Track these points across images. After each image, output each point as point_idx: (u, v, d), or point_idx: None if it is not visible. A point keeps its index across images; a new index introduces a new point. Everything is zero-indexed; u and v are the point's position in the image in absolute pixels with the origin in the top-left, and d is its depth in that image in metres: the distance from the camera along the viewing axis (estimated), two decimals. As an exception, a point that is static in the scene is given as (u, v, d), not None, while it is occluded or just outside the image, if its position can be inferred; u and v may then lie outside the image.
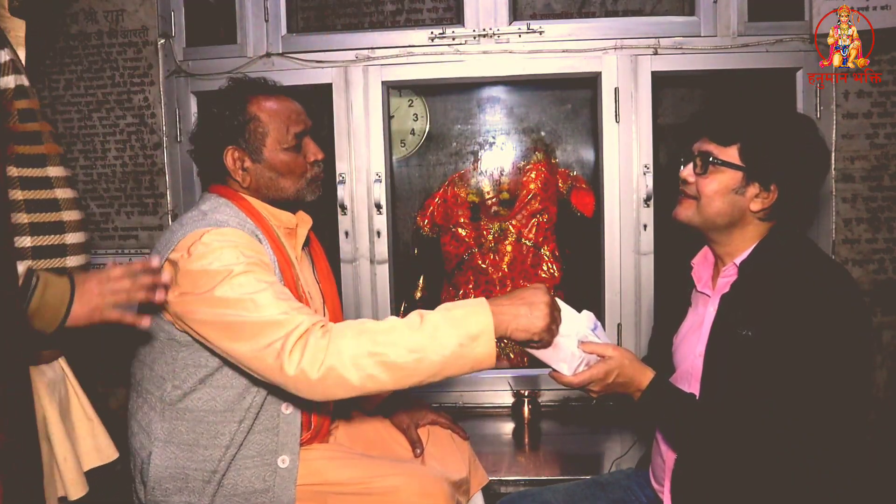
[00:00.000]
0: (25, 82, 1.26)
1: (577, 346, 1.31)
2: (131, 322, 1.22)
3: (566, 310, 1.34)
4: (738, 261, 1.35)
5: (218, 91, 1.53)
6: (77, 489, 1.32)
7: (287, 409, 1.41)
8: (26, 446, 0.71)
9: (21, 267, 1.11)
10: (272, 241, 1.42)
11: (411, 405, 1.74)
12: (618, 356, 1.31)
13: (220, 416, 1.38)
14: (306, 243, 1.60)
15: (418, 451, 1.62)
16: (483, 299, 1.24)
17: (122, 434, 1.49)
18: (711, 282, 1.44)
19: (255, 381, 1.36)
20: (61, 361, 1.34)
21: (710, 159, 1.33)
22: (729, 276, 1.37)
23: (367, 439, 1.65)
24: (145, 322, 1.24)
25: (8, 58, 1.22)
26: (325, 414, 1.51)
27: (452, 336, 1.18)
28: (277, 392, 1.38)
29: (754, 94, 1.61)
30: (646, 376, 1.32)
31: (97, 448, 1.38)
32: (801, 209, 1.37)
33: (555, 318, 1.26)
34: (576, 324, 1.33)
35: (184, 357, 1.37)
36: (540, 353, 1.32)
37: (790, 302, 1.24)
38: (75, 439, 1.32)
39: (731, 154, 1.31)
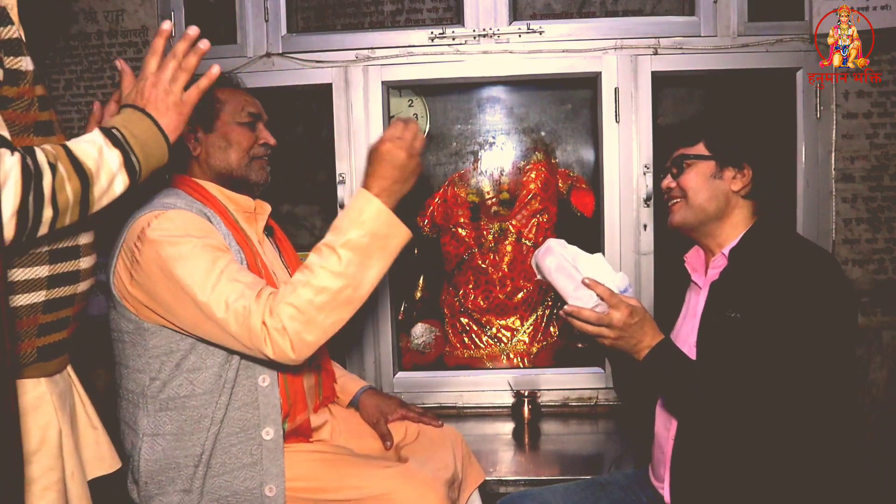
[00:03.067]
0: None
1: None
2: (208, 84, 1.21)
3: (601, 263, 1.39)
4: (726, 250, 1.42)
5: None
6: None
7: (264, 382, 1.43)
8: (8, 468, 0.68)
9: (95, 136, 1.05)
10: (225, 220, 1.46)
11: (381, 399, 1.76)
12: (642, 307, 1.35)
13: (201, 399, 1.40)
14: (271, 232, 1.67)
15: (388, 444, 1.66)
16: (365, 192, 1.32)
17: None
18: (704, 273, 1.49)
19: (228, 357, 1.40)
20: (69, 369, 1.27)
21: (683, 158, 1.45)
22: (719, 265, 1.43)
23: (356, 437, 1.64)
24: (216, 70, 1.22)
25: (21, 36, 1.06)
26: (303, 388, 1.52)
27: (376, 251, 1.29)
28: (252, 365, 1.42)
29: (718, 97, 1.81)
30: (658, 337, 1.35)
31: (100, 457, 1.31)
32: (776, 182, 1.48)
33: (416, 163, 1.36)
34: (606, 276, 1.36)
35: (154, 345, 1.39)
36: (560, 286, 1.37)
37: (776, 283, 1.29)
38: (81, 449, 1.26)
39: (699, 149, 1.45)
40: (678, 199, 1.46)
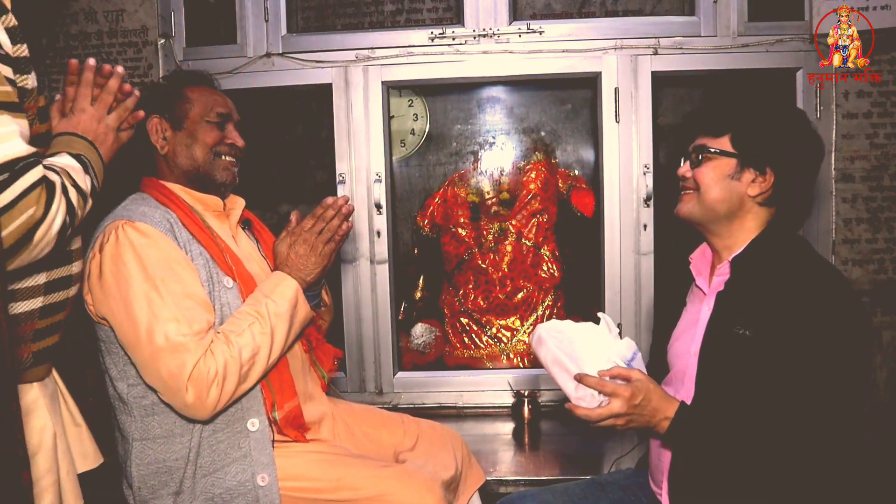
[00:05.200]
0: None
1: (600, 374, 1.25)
2: (131, 113, 1.32)
3: (602, 335, 1.30)
4: (731, 257, 1.36)
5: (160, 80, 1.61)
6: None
7: None
8: (10, 474, 0.68)
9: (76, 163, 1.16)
10: (190, 220, 1.47)
11: None
12: (644, 379, 1.26)
13: None
14: (248, 225, 1.68)
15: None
16: (279, 273, 1.47)
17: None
18: (708, 279, 1.44)
19: None
20: (53, 370, 1.29)
21: (704, 150, 1.37)
22: (723, 274, 1.37)
23: (354, 437, 1.64)
24: (135, 92, 1.33)
25: (27, 53, 1.10)
26: (289, 374, 1.51)
27: (285, 317, 1.42)
28: None
29: (746, 88, 1.61)
30: (672, 404, 1.27)
31: (84, 454, 1.34)
32: (799, 193, 1.37)
33: (329, 254, 1.48)
34: (609, 348, 1.28)
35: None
36: (560, 383, 1.30)
37: (788, 301, 1.25)
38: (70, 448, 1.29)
39: (723, 143, 1.35)
40: (691, 191, 1.39)
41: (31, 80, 1.09)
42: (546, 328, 1.33)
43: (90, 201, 1.17)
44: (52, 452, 1.19)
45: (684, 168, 1.40)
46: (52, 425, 1.19)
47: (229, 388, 1.34)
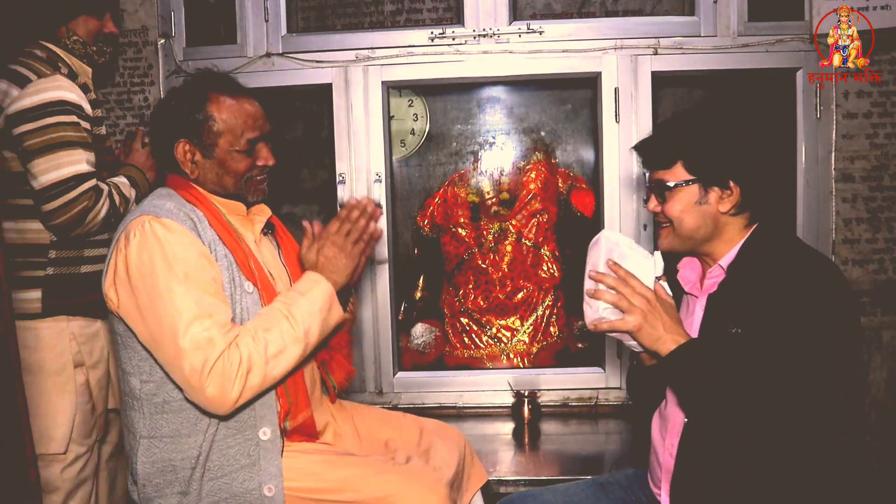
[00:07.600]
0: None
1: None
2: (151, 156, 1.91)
3: (631, 253, 1.34)
4: (723, 262, 1.36)
5: (182, 84, 1.57)
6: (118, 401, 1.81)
7: None
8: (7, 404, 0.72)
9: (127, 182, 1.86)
10: (217, 221, 1.45)
11: None
12: (662, 305, 1.29)
13: None
14: (271, 230, 1.65)
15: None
16: (313, 273, 1.43)
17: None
18: (699, 283, 1.44)
19: None
20: (100, 325, 1.82)
21: (663, 186, 1.36)
22: (715, 276, 1.38)
23: (357, 438, 1.64)
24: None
25: (101, 114, 1.86)
26: (304, 384, 1.50)
27: (317, 318, 1.40)
28: None
29: (692, 107, 1.56)
30: (685, 334, 1.29)
31: (112, 394, 1.86)
32: (770, 194, 1.37)
33: (358, 254, 1.46)
34: (639, 269, 1.32)
35: (142, 347, 1.39)
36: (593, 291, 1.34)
37: (776, 296, 1.25)
38: (101, 377, 1.84)
39: (679, 173, 1.34)
40: (666, 224, 1.38)
41: (102, 130, 1.85)
42: (606, 234, 1.38)
43: (133, 203, 1.83)
44: (68, 360, 1.75)
45: (653, 204, 1.39)
46: (76, 343, 1.76)
47: (253, 383, 1.31)
